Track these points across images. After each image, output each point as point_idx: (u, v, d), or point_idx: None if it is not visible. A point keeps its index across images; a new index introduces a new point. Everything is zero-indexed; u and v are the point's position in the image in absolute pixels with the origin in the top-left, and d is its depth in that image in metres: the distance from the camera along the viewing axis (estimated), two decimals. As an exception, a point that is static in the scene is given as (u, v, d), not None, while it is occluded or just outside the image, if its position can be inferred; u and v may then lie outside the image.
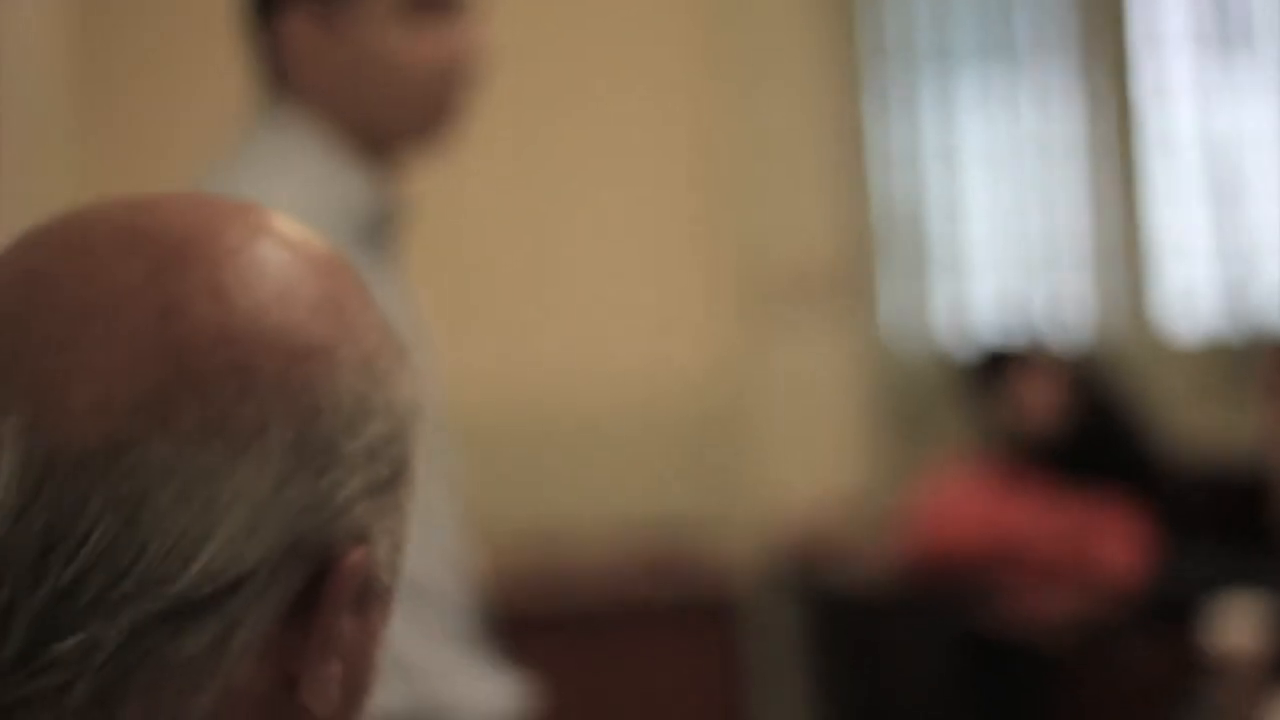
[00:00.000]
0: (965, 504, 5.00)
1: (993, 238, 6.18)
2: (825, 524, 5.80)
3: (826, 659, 5.63)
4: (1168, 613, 3.60)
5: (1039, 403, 5.10)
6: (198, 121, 5.14)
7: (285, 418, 0.78)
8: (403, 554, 0.86)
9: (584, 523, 5.83)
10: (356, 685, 0.83)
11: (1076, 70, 6.11)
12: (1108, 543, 4.81)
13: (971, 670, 4.86)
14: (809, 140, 6.02)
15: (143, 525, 0.76)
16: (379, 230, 2.10)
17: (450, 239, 4.95)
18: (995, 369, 5.49)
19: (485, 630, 2.12)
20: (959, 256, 6.14)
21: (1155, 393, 5.80)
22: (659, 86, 5.97)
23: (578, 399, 5.94)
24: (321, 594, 0.80)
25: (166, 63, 5.33)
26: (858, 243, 6.09)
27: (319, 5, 2.08)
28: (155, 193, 0.83)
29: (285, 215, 0.84)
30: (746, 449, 5.97)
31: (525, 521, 5.76)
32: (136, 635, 0.76)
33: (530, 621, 4.66)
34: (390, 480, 0.83)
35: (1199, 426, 6.11)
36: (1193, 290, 6.21)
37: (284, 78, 2.11)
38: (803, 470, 5.95)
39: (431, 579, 2.02)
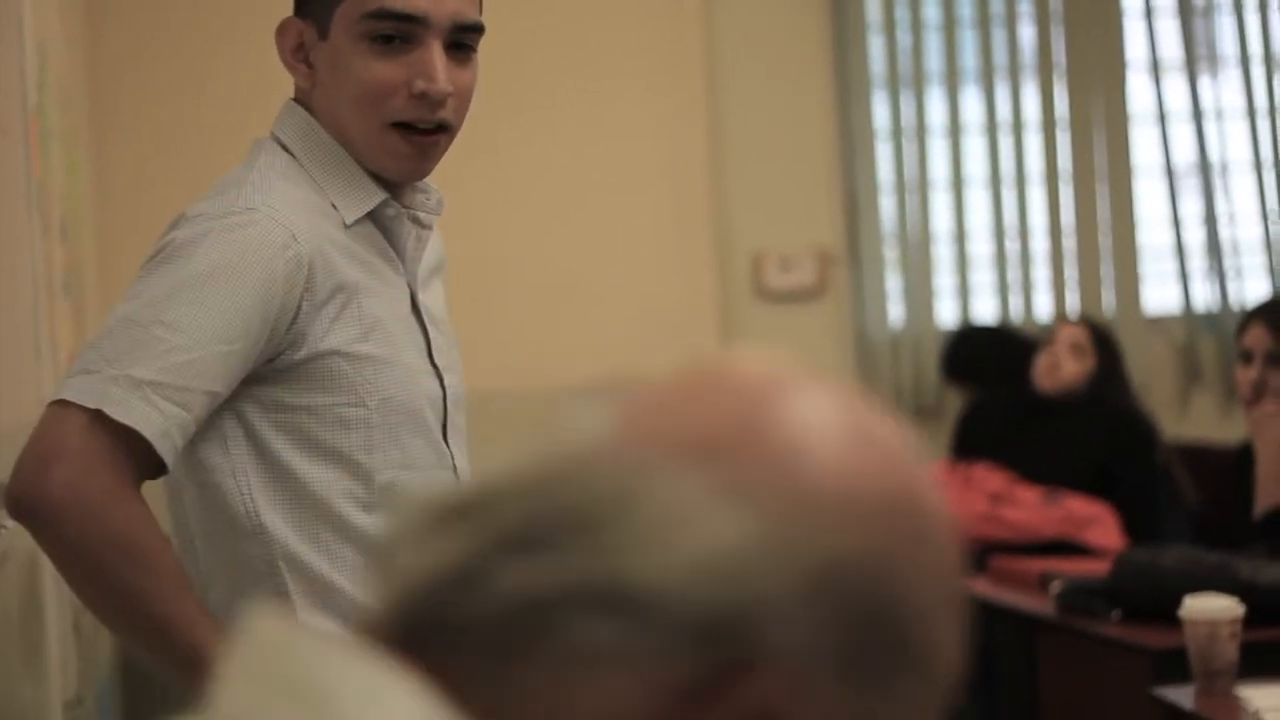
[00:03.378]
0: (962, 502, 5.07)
1: (988, 237, 6.24)
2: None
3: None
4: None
5: (1065, 363, 5.17)
6: (210, 124, 5.21)
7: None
8: None
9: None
10: None
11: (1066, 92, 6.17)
12: (1096, 531, 4.89)
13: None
14: (805, 144, 6.08)
15: (624, 524, 0.79)
16: (379, 236, 2.16)
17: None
18: (1009, 341, 5.56)
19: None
20: (953, 257, 6.20)
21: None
22: (660, 99, 6.01)
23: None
24: (717, 692, 0.78)
25: (179, 67, 5.38)
26: (852, 241, 6.14)
27: (308, 17, 2.16)
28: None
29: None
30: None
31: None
32: (567, 602, 0.78)
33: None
34: (871, 673, 0.81)
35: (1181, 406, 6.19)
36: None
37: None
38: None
39: None
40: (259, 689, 0.79)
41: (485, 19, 2.20)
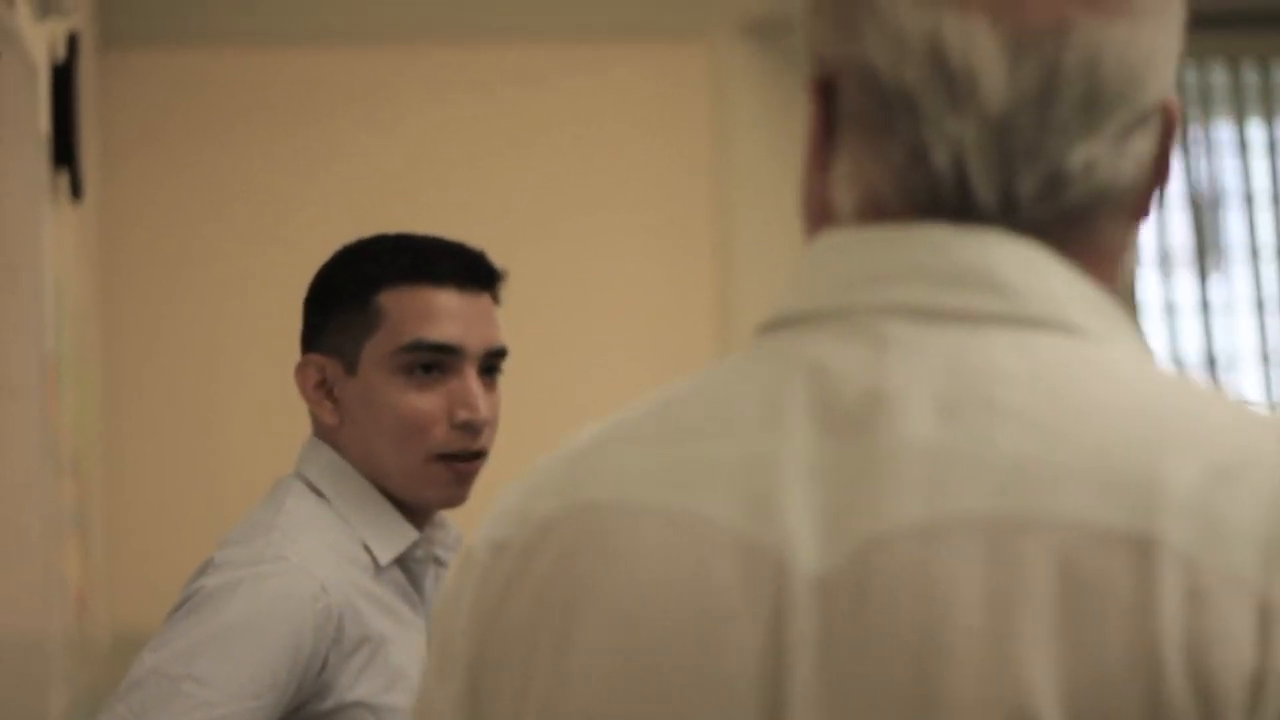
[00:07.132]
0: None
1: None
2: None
3: None
4: None
5: None
6: (215, 351, 5.02)
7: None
8: None
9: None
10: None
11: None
12: None
13: None
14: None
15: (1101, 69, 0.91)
16: (402, 574, 2.14)
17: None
18: None
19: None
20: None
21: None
22: (664, 239, 5.93)
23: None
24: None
25: (191, 299, 5.11)
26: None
27: (330, 353, 2.15)
28: None
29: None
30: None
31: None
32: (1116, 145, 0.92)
33: None
34: None
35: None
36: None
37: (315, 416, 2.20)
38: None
39: None
40: (924, 284, 0.90)
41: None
